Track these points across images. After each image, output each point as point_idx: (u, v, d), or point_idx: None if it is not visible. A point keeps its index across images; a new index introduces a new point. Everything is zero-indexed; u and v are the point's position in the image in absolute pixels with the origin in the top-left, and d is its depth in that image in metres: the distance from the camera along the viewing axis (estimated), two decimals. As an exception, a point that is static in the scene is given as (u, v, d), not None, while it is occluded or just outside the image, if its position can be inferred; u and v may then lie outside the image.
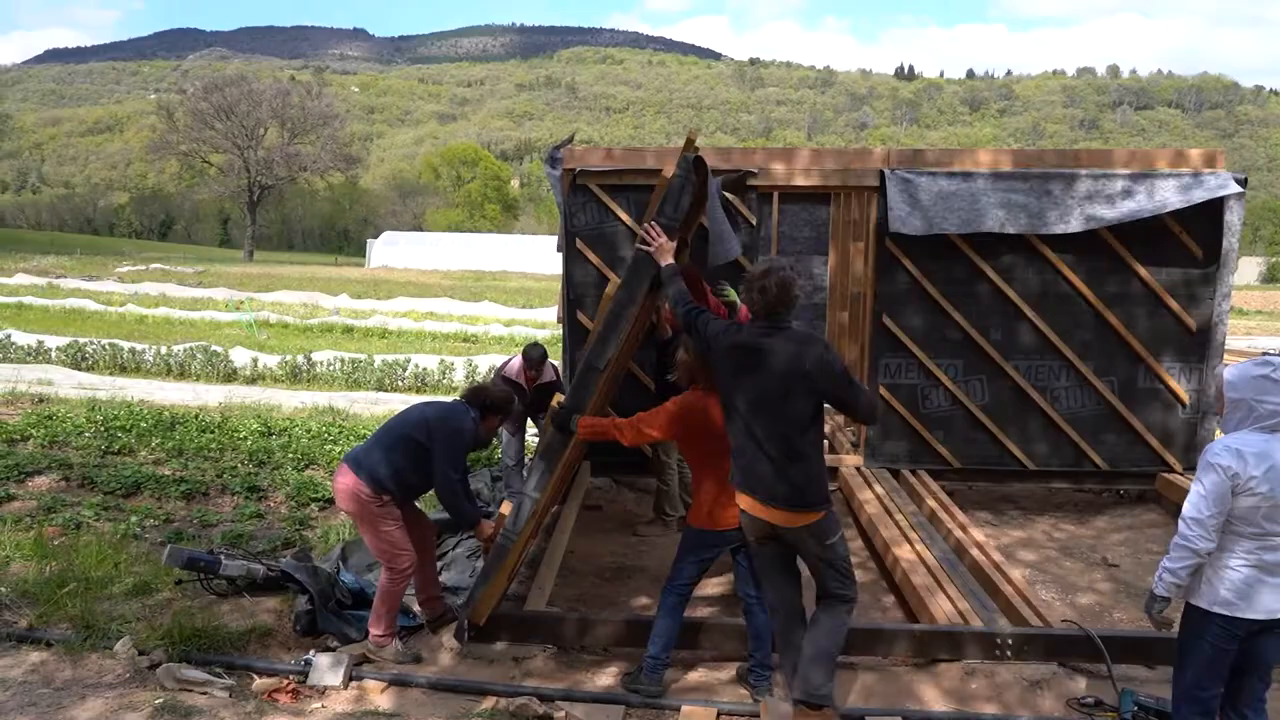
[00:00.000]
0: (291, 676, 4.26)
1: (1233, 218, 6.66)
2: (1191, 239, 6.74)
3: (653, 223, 4.31)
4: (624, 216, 7.13)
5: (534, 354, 6.93)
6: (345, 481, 4.47)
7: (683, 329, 4.03)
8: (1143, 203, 6.49)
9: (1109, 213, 6.49)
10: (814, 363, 3.57)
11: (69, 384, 12.33)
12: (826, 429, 7.82)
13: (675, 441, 4.20)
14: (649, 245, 4.27)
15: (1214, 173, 6.64)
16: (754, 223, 7.18)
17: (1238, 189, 6.56)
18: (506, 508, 4.55)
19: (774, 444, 3.62)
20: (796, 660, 3.81)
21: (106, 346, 14.94)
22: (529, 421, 7.36)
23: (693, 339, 3.97)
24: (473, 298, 30.53)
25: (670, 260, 4.24)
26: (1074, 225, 6.50)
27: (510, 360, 7.25)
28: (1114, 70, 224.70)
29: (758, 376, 3.63)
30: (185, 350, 14.78)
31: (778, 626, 4.00)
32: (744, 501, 3.76)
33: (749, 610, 4.19)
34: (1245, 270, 71.37)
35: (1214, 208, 6.61)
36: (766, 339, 3.66)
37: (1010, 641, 4.38)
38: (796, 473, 3.62)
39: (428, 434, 4.50)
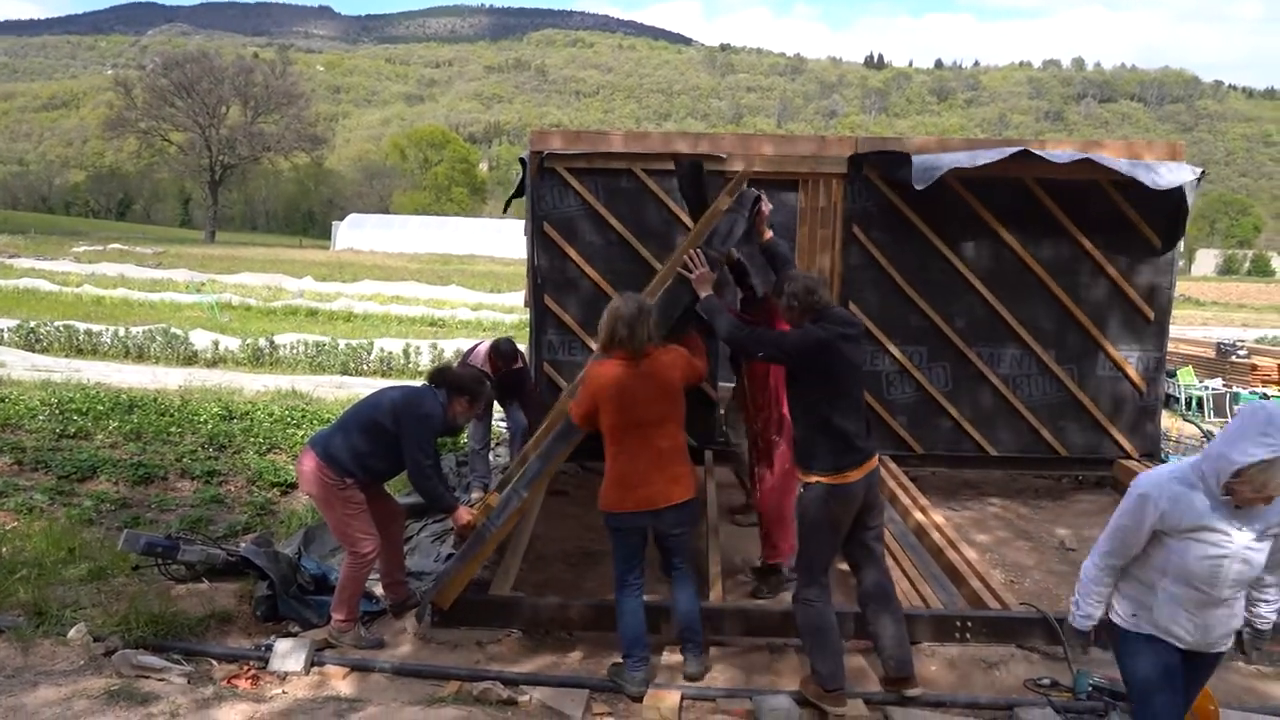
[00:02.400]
0: (251, 662, 4.21)
1: (1188, 207, 6.78)
2: (1151, 229, 6.86)
3: (699, 250, 4.34)
4: (592, 201, 7.09)
5: (506, 349, 6.74)
6: (308, 464, 4.41)
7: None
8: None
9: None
10: None
11: (22, 366, 12.05)
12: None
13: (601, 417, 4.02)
14: (689, 272, 4.29)
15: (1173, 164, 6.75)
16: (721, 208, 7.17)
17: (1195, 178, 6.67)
18: (493, 498, 4.54)
19: (862, 404, 4.04)
20: (883, 642, 3.99)
21: (61, 328, 14.60)
22: (494, 405, 7.30)
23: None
24: (440, 281, 30.27)
25: (709, 290, 4.26)
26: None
27: (477, 346, 7.14)
28: (1079, 63, 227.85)
29: (857, 354, 3.97)
30: (144, 332, 14.49)
31: (871, 612, 4.03)
32: (856, 473, 3.85)
33: (674, 584, 4.19)
34: (1202, 262, 73.03)
35: (1174, 198, 6.73)
36: (847, 317, 4.03)
37: (969, 624, 4.45)
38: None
39: (394, 420, 4.43)
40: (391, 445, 4.45)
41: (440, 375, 4.66)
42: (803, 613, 3.97)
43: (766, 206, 4.67)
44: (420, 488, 4.53)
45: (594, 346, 7.10)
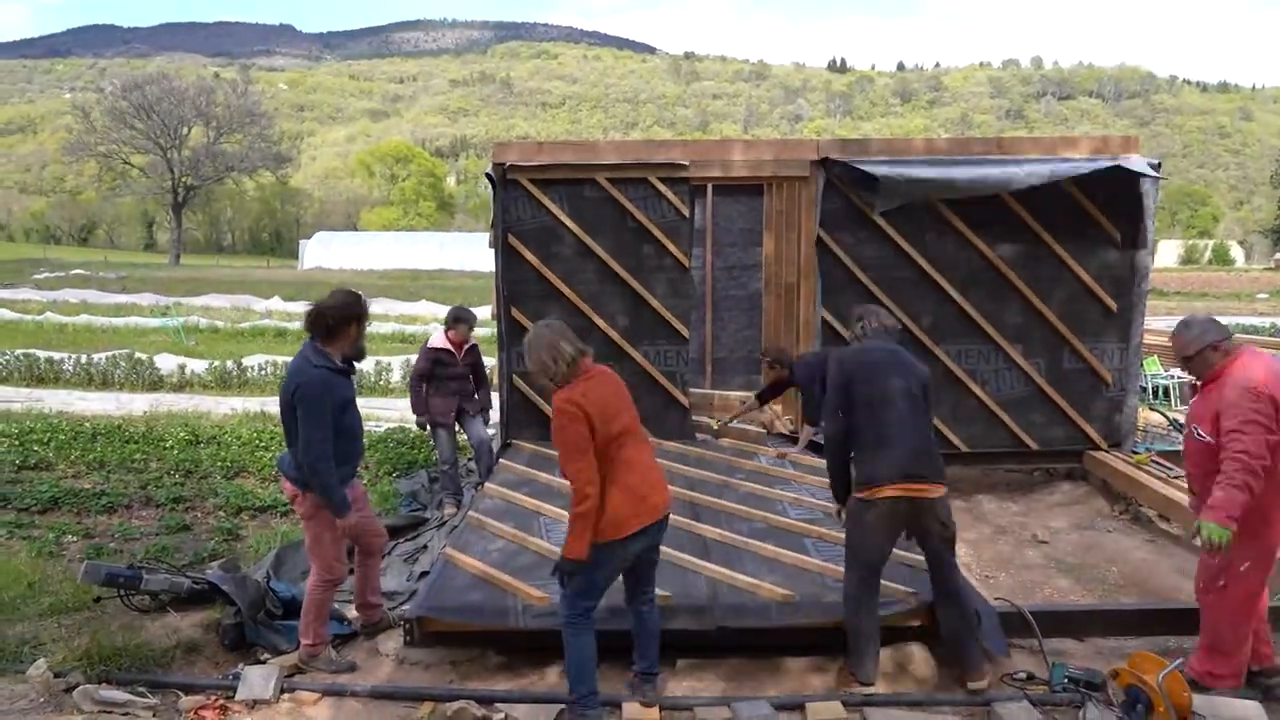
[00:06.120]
0: (219, 692, 4.12)
1: (1149, 202, 6.88)
2: (1111, 223, 6.94)
3: None
4: (556, 211, 7.06)
5: (458, 311, 6.68)
6: (285, 484, 4.37)
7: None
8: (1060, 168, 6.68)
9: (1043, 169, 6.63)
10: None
11: (-20, 397, 11.78)
12: (765, 418, 7.87)
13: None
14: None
15: (1130, 157, 6.85)
16: (686, 215, 7.17)
17: (1153, 173, 6.77)
18: (544, 600, 4.29)
19: (895, 430, 4.22)
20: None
21: (21, 357, 14.28)
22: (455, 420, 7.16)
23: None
24: (410, 297, 30.01)
25: None
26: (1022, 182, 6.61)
27: (433, 337, 6.95)
28: (1037, 62, 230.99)
29: (885, 386, 4.20)
30: (108, 358, 14.21)
31: (938, 611, 4.18)
32: (887, 490, 4.02)
33: (643, 617, 3.97)
34: (1164, 253, 74.25)
35: (1133, 192, 6.83)
36: (878, 348, 4.34)
37: (946, 621, 4.44)
38: None
39: (291, 409, 4.11)
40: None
41: (311, 320, 4.15)
42: (847, 607, 4.17)
43: None
44: (309, 468, 4.09)
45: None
